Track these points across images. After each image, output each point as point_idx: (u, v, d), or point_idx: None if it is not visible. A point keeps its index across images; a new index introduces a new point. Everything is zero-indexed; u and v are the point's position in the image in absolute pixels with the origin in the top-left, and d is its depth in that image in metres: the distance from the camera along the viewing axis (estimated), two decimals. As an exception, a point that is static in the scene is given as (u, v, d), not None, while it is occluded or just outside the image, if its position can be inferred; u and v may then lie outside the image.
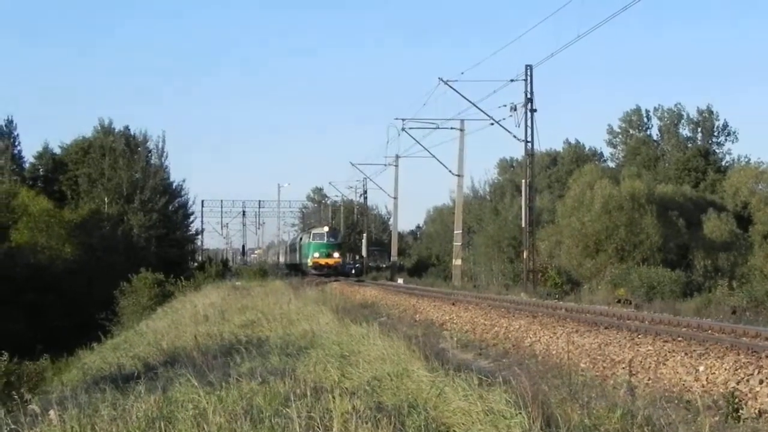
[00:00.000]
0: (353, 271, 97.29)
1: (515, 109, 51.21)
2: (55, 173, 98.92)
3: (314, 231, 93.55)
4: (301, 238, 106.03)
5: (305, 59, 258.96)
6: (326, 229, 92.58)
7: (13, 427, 11.52)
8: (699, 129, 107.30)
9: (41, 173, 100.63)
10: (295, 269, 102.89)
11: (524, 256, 56.52)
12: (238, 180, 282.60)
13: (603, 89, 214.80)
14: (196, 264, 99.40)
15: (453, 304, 33.18)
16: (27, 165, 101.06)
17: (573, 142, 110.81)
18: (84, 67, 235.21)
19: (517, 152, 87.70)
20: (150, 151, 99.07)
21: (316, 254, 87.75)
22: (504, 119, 52.94)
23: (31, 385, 23.02)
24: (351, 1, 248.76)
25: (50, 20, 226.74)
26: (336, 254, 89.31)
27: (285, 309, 29.89)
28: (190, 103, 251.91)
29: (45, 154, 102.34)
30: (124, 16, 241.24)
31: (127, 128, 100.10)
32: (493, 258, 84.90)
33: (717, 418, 11.38)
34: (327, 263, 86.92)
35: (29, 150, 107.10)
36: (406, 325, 24.70)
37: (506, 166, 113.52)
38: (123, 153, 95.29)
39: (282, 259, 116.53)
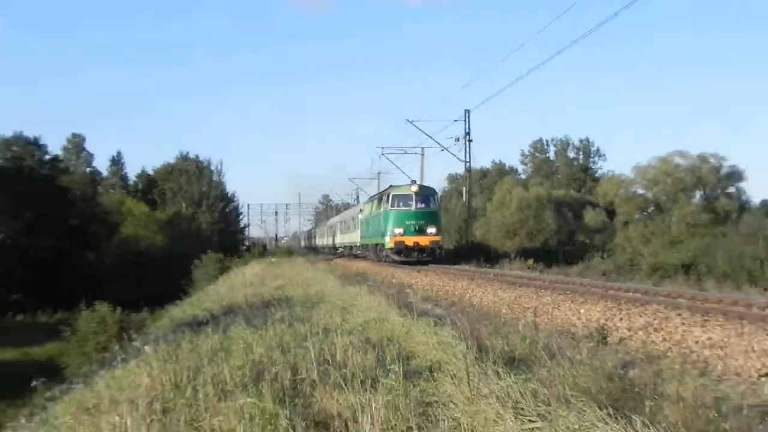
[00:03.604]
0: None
1: (458, 140, 51.03)
2: (149, 187, 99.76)
3: (394, 192, 42.05)
4: (364, 208, 54.25)
5: (318, 92, 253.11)
6: (415, 188, 41.32)
7: (123, 357, 11.56)
8: (580, 152, 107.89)
9: (140, 187, 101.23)
10: (314, 251, 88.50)
11: (466, 240, 57.17)
12: (271, 187, 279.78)
13: (517, 124, 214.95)
14: (244, 247, 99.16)
15: (418, 272, 33.13)
16: (131, 182, 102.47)
17: (497, 161, 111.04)
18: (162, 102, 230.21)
19: (460, 169, 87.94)
20: (213, 171, 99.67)
21: (399, 230, 40.07)
22: (450, 147, 52.61)
23: (136, 329, 23.11)
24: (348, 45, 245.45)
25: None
26: (432, 229, 40.43)
27: (304, 277, 29.89)
28: (239, 128, 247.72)
29: (142, 175, 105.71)
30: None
31: (197, 156, 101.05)
32: (444, 241, 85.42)
33: (592, 344, 11.45)
34: (418, 243, 39.68)
35: (132, 171, 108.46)
36: (386, 286, 24.66)
37: (453, 178, 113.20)
38: (195, 173, 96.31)
39: (303, 243, 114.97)
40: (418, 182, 41.51)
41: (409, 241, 38.66)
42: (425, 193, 40.60)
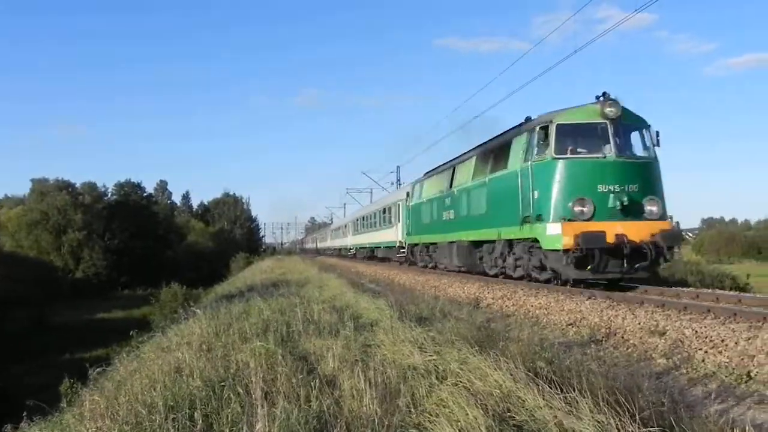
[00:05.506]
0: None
1: (392, 183, 50.47)
2: (205, 212, 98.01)
3: (560, 121, 7.98)
4: (418, 186, 18.27)
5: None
6: (611, 110, 7.12)
7: (185, 317, 11.32)
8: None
9: (200, 212, 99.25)
10: (304, 252, 76.49)
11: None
12: (277, 208, 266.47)
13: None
14: (262, 249, 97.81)
15: (367, 265, 32.91)
16: (195, 209, 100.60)
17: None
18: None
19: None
20: (243, 203, 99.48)
21: (581, 208, 7.54)
22: (388, 188, 51.89)
23: (194, 300, 22.54)
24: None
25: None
26: (653, 206, 7.32)
27: (298, 267, 29.58)
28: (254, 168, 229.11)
29: (201, 205, 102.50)
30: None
31: (234, 193, 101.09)
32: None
33: (470, 307, 11.43)
34: (626, 237, 7.12)
35: (195, 201, 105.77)
36: (348, 273, 24.43)
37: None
38: (232, 204, 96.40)
39: (298, 247, 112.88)
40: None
41: (610, 231, 8.87)
42: (631, 122, 9.39)
